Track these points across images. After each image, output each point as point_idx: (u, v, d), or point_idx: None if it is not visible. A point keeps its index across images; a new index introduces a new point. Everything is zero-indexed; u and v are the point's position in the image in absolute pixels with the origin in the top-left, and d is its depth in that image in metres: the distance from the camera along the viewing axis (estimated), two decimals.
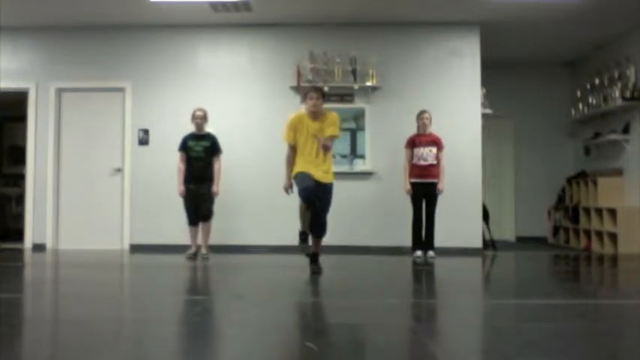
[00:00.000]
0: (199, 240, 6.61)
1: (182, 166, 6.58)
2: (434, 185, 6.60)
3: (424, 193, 6.62)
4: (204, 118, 6.60)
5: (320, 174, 5.15)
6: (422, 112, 6.78)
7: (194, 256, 6.46)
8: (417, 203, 6.66)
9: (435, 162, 6.62)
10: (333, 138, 5.20)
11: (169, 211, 7.38)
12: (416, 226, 6.68)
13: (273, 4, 6.94)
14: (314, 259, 5.35)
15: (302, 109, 5.27)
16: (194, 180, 6.50)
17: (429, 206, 6.65)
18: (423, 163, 6.60)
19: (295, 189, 5.20)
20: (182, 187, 6.54)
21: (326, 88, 7.42)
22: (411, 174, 6.66)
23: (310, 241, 5.27)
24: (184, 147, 6.58)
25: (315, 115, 5.20)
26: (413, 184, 6.63)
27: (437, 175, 6.60)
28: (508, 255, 7.57)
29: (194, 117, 6.59)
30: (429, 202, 6.64)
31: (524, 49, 8.58)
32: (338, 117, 5.30)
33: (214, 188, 6.53)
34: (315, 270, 5.27)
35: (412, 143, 6.72)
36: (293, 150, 5.27)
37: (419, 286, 5.11)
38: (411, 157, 6.69)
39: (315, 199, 5.00)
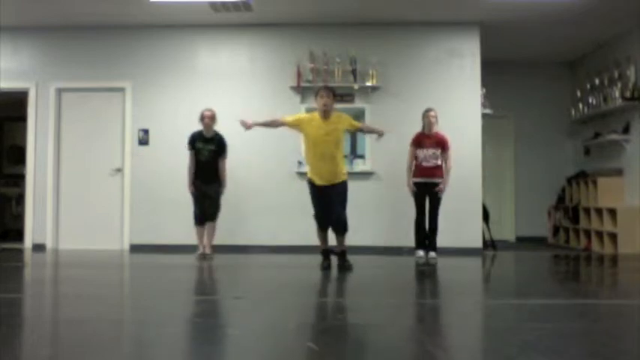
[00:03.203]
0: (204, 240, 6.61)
1: (192, 166, 6.56)
2: (438, 185, 6.54)
3: (428, 192, 6.52)
4: (212, 118, 6.56)
5: (328, 176, 5.43)
6: (428, 110, 6.61)
7: (204, 256, 6.47)
8: (420, 202, 6.55)
9: (439, 163, 6.51)
10: (359, 128, 5.83)
11: (169, 211, 7.39)
12: (418, 225, 6.58)
13: (273, 4, 6.94)
14: (341, 256, 5.63)
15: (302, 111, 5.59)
16: (202, 181, 6.52)
17: (433, 207, 6.54)
18: (426, 164, 6.50)
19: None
20: (192, 187, 6.54)
21: None
22: (415, 173, 6.57)
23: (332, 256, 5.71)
24: (193, 146, 6.55)
25: (326, 114, 5.38)
26: (416, 184, 6.56)
27: (441, 175, 6.50)
28: (508, 255, 7.57)
29: (202, 117, 6.55)
30: (433, 203, 6.54)
31: (524, 49, 8.57)
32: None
33: (222, 188, 6.61)
34: (347, 266, 5.57)
35: (417, 143, 6.59)
36: (282, 124, 5.71)
37: (419, 286, 5.11)
38: (415, 156, 6.61)
39: (327, 226, 5.57)
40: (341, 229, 5.53)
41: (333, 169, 5.41)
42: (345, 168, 5.63)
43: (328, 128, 5.35)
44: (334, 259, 5.66)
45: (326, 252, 5.67)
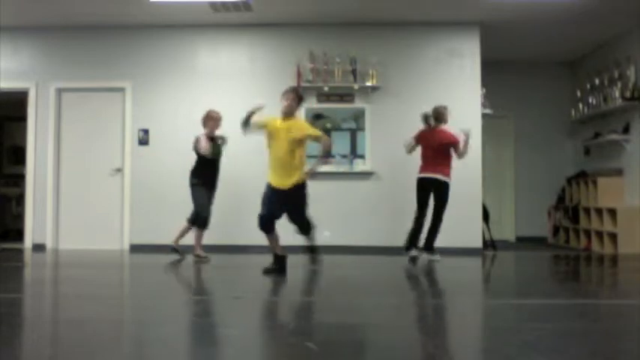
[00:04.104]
0: (192, 241, 6.52)
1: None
2: (441, 182, 6.39)
3: (431, 190, 6.40)
4: (219, 120, 6.48)
5: (278, 180, 5.10)
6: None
7: (200, 258, 6.40)
8: (422, 199, 6.44)
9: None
10: (317, 138, 5.19)
11: (169, 211, 7.38)
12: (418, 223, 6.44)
13: (273, 4, 6.94)
14: (310, 250, 5.43)
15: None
16: (207, 186, 6.44)
17: (438, 205, 6.44)
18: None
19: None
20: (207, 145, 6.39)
21: (326, 88, 7.45)
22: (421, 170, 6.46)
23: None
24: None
25: (285, 116, 5.21)
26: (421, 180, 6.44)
27: (443, 173, 6.39)
28: (508, 255, 7.57)
29: (210, 118, 6.44)
30: (437, 201, 6.44)
31: (524, 49, 8.58)
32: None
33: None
34: (313, 259, 5.40)
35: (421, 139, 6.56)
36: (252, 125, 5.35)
37: (419, 286, 5.11)
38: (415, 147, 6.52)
39: (267, 228, 5.16)
40: (304, 233, 5.34)
41: (283, 172, 5.11)
42: (298, 171, 5.14)
43: (282, 130, 5.14)
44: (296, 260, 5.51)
45: (276, 256, 5.27)
